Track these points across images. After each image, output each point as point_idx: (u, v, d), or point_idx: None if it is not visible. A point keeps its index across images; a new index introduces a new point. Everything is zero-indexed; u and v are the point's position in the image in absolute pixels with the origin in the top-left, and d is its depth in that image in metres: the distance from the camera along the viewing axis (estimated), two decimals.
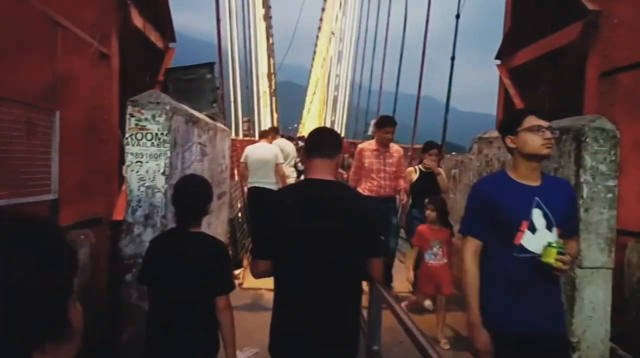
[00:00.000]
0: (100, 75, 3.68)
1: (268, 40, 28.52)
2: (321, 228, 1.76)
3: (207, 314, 2.04)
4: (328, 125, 27.42)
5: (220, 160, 5.24)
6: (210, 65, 4.71)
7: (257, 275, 1.90)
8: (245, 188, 7.07)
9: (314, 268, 1.77)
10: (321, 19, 44.88)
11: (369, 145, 4.98)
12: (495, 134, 4.79)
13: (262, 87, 21.20)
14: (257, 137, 11.94)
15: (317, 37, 47.84)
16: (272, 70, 30.46)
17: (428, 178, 4.95)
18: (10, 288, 0.55)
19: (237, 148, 8.03)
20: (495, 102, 5.91)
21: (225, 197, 5.85)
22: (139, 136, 2.96)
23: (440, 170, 4.96)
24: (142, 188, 2.97)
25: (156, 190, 2.98)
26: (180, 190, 2.08)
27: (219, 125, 5.13)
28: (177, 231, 2.08)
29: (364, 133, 13.26)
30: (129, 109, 2.94)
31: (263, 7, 25.62)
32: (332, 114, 27.29)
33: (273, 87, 31.13)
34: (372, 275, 1.97)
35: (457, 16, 6.01)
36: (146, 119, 2.96)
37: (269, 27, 34.02)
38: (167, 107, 2.99)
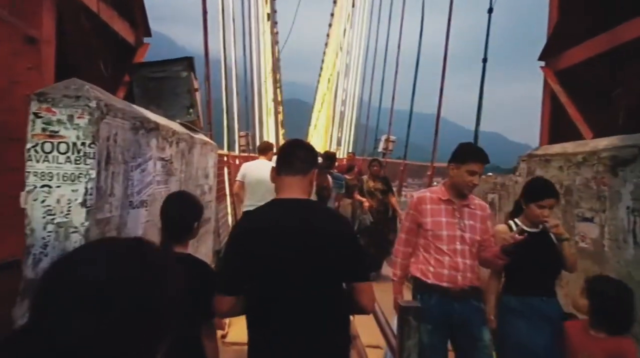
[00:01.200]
0: (24, 64, 2.69)
1: (273, 55, 27.88)
2: (297, 254, 1.60)
3: (193, 343, 1.90)
4: (334, 141, 26.48)
5: (200, 180, 4.21)
6: (186, 61, 3.72)
7: (222, 314, 1.78)
8: (241, 212, 6.12)
9: (294, 300, 1.60)
10: (328, 35, 44.56)
11: (433, 193, 2.80)
12: (553, 149, 3.73)
13: (266, 100, 20.36)
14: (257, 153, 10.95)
15: (324, 52, 47.54)
16: (277, 84, 29.74)
17: (537, 243, 2.58)
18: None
19: (230, 164, 7.02)
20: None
21: (209, 224, 4.80)
22: (48, 147, 1.94)
23: (561, 229, 2.58)
24: (51, 227, 1.94)
25: (72, 229, 1.94)
26: (164, 206, 2.04)
27: (200, 136, 4.12)
28: None
29: (374, 149, 12.25)
30: (33, 106, 1.93)
31: (268, 19, 25.01)
32: (338, 130, 26.33)
33: (279, 100, 30.37)
34: (362, 303, 1.70)
35: (490, 10, 5.06)
36: (59, 122, 1.94)
37: (274, 43, 33.50)
38: (93, 104, 1.97)
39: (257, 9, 17.43)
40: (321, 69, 49.91)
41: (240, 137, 10.03)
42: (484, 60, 5.06)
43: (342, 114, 25.24)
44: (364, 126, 17.83)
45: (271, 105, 22.88)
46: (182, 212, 1.97)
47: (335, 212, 2.02)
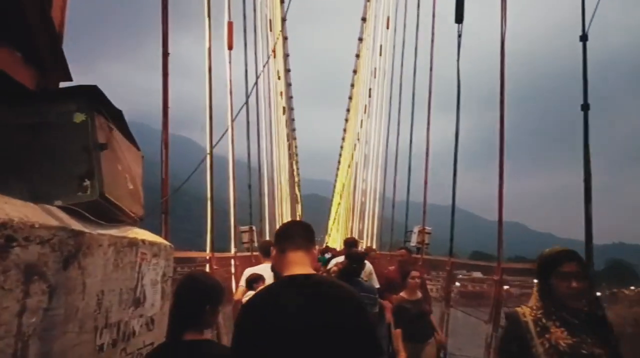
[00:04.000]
0: None
1: (290, 147, 27.34)
2: (315, 336, 1.52)
3: None
4: (356, 235, 24.43)
5: (115, 315, 2.27)
6: (84, 94, 2.02)
7: None
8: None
9: None
10: (344, 130, 44.99)
11: None
12: None
13: (280, 191, 18.89)
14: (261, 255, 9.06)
15: (341, 146, 47.85)
16: (296, 177, 28.80)
17: None
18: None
19: (215, 271, 5.09)
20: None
21: None
22: None
23: None
24: None
25: None
26: (177, 290, 1.98)
27: (116, 232, 2.28)
28: (170, 339, 1.90)
29: (405, 243, 10.15)
30: None
31: (284, 113, 24.74)
32: (359, 223, 24.37)
33: (297, 193, 29.17)
34: None
35: (584, 38, 3.53)
36: None
37: (292, 138, 33.48)
38: None
39: (269, 100, 16.74)
40: (339, 162, 49.88)
41: (242, 232, 8.22)
42: (584, 107, 3.37)
43: (362, 204, 23.53)
44: (391, 218, 16.07)
45: (287, 196, 21.46)
46: (190, 295, 1.85)
47: (348, 290, 1.69)
